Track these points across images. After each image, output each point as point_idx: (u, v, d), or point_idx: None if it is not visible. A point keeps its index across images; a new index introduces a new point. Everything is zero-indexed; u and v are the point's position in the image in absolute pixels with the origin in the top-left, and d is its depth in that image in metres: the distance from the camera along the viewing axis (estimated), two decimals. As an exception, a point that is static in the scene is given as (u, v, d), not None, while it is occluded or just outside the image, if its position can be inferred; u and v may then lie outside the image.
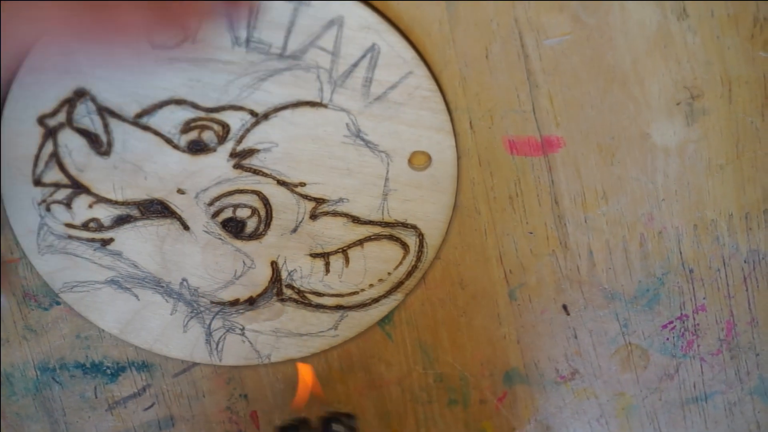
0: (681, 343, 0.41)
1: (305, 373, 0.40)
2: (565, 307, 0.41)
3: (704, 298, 0.41)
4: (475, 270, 0.40)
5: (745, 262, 0.40)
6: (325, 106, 0.37)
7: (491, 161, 0.38)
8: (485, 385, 0.42)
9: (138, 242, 0.38)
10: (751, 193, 0.39)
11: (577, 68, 0.36)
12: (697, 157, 0.38)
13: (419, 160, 0.38)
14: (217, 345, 0.40)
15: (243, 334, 0.40)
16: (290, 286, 0.39)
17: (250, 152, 0.37)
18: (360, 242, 0.39)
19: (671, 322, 0.41)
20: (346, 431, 0.38)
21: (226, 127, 0.37)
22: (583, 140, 0.37)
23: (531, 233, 0.39)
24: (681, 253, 0.40)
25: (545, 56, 0.36)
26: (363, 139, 0.37)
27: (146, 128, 0.36)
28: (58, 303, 0.40)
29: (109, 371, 0.42)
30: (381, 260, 0.39)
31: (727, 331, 0.41)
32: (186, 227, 0.38)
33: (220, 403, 0.42)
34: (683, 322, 0.41)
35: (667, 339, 0.41)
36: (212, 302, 0.39)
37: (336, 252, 0.39)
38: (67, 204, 0.37)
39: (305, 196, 0.38)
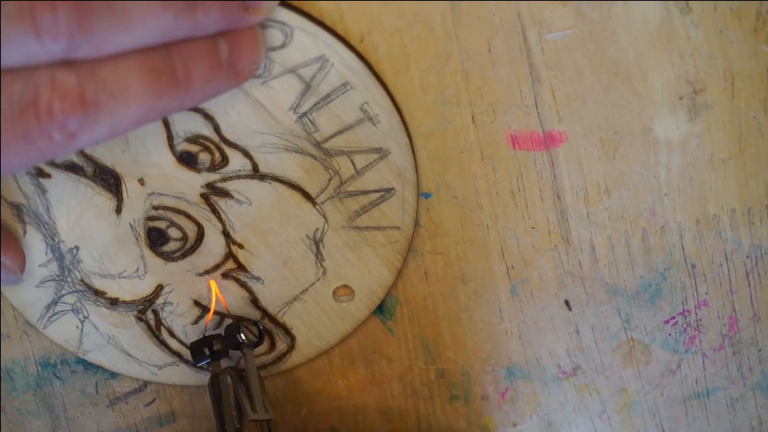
0: (683, 338, 0.41)
1: (216, 291, 0.40)
2: (567, 303, 0.41)
3: (706, 294, 0.41)
4: (476, 265, 0.40)
5: (747, 257, 0.40)
6: (314, 203, 0.38)
7: (493, 156, 0.38)
8: (487, 380, 0.42)
9: (67, 193, 0.37)
10: (754, 188, 0.39)
11: (579, 63, 0.36)
12: (700, 151, 0.38)
13: (345, 293, 0.39)
14: (53, 315, 0.40)
15: (82, 321, 0.40)
16: (155, 312, 0.40)
17: (225, 193, 0.38)
18: (240, 319, 0.40)
19: (673, 318, 0.41)
20: (252, 338, 0.38)
21: (225, 161, 0.37)
22: (586, 135, 0.37)
23: (533, 228, 0.39)
24: (683, 248, 0.40)
25: (548, 50, 0.36)
26: (317, 251, 0.38)
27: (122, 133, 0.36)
28: (58, 298, 0.40)
29: (110, 367, 0.42)
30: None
31: (730, 327, 0.41)
32: (118, 211, 0.38)
33: (221, 398, 0.42)
34: (685, 318, 0.41)
35: (669, 334, 0.41)
36: (82, 280, 0.39)
37: (216, 313, 0.40)
38: None
39: (234, 256, 0.39)
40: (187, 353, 0.40)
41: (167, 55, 0.30)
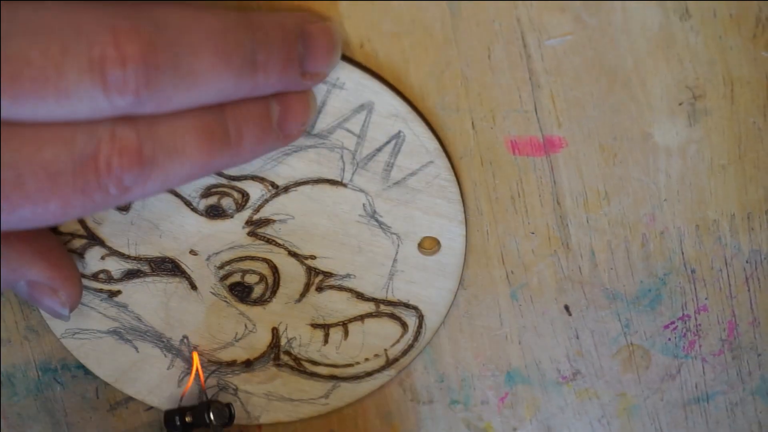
0: (683, 343, 0.41)
1: (196, 363, 0.40)
2: (566, 308, 0.41)
3: (706, 299, 0.41)
4: (476, 270, 0.40)
5: (747, 262, 0.40)
6: (344, 185, 0.37)
7: (493, 161, 0.38)
8: (486, 385, 0.42)
9: (145, 297, 0.39)
10: (753, 193, 0.39)
11: (579, 69, 0.36)
12: (699, 157, 0.38)
13: (429, 245, 0.39)
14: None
15: (235, 394, 0.41)
16: (288, 353, 0.40)
17: (266, 222, 0.38)
18: (361, 317, 0.40)
19: (673, 323, 0.41)
20: (221, 419, 0.38)
21: (245, 196, 0.37)
22: (585, 140, 0.37)
23: (533, 233, 0.39)
24: (683, 253, 0.40)
25: (547, 56, 0.36)
26: (377, 221, 0.38)
27: (168, 190, 0.37)
28: (59, 303, 0.40)
29: (110, 371, 0.42)
30: (379, 336, 0.40)
31: (729, 332, 0.41)
32: (194, 287, 0.39)
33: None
34: (685, 323, 0.41)
35: (669, 339, 0.41)
36: (209, 361, 0.40)
37: (336, 324, 0.40)
38: (80, 254, 0.38)
39: (314, 269, 0.39)
40: (340, 372, 0.41)
41: (221, 115, 0.31)
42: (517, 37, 0.35)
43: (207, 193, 0.37)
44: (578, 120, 0.37)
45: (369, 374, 0.41)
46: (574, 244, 0.39)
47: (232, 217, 0.38)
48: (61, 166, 0.27)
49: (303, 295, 0.39)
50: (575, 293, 0.40)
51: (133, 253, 0.38)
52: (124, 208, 0.37)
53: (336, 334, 0.40)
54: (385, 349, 0.40)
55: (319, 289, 0.39)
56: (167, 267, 0.38)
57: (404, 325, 0.40)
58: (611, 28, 0.35)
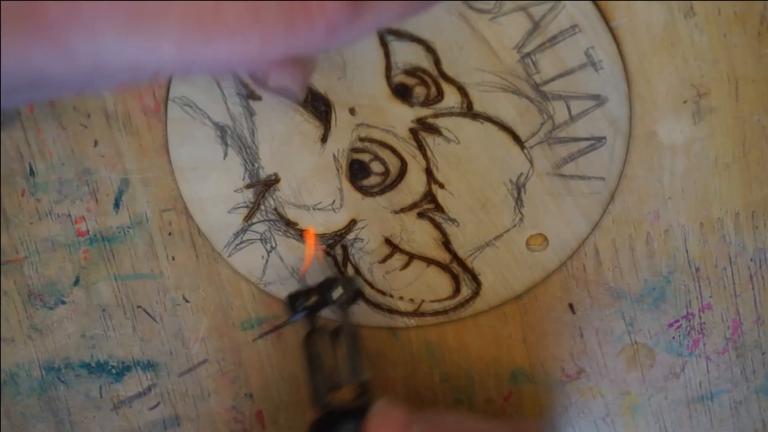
0: (687, 341, 0.41)
1: (310, 239, 0.39)
2: (571, 306, 0.41)
3: (710, 297, 0.41)
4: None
5: (751, 260, 0.40)
6: (522, 146, 0.37)
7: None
8: (491, 384, 0.42)
9: (275, 118, 0.37)
10: (758, 191, 0.39)
11: (583, 66, 0.36)
12: (704, 155, 0.38)
13: (537, 241, 0.39)
14: (240, 243, 0.39)
15: (269, 251, 0.39)
16: (344, 247, 0.39)
17: (434, 130, 0.37)
18: (431, 261, 0.39)
19: (677, 321, 0.41)
20: (346, 296, 0.36)
21: (439, 96, 0.36)
22: (590, 139, 0.37)
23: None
24: (687, 251, 0.40)
25: (552, 54, 0.36)
26: (518, 194, 0.38)
27: (383, 43, 0.36)
28: (63, 302, 0.40)
29: (114, 371, 0.42)
30: (429, 287, 0.40)
31: (733, 330, 0.41)
32: (324, 140, 0.37)
33: (225, 402, 0.42)
34: (689, 321, 0.41)
35: (673, 338, 0.41)
36: (276, 209, 0.39)
37: (406, 252, 0.39)
38: None
39: (433, 196, 0.38)
40: (369, 291, 0.39)
41: None
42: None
43: (412, 72, 0.36)
44: (583, 118, 0.37)
45: (391, 311, 0.40)
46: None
47: (411, 106, 0.37)
48: None
49: (404, 210, 0.38)
50: (580, 292, 0.40)
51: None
52: None
53: (398, 261, 0.39)
54: (423, 300, 0.40)
55: (421, 214, 0.38)
56: (319, 108, 0.37)
57: (457, 291, 0.39)
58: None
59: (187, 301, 0.41)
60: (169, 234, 0.40)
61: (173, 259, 0.40)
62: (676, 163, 0.38)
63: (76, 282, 0.40)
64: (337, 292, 0.36)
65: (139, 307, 0.41)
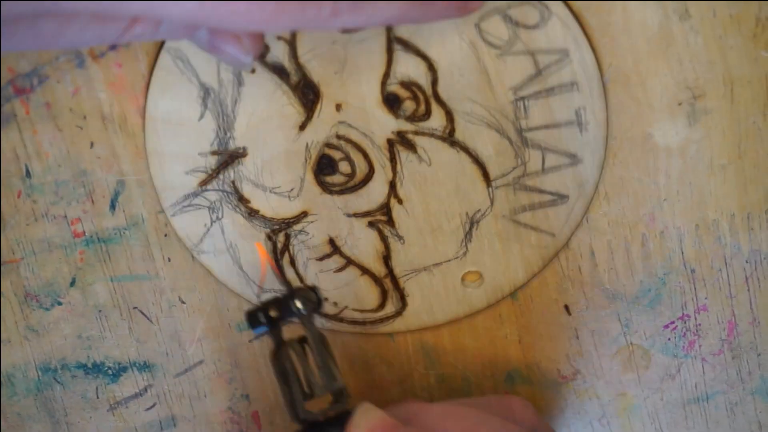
0: (682, 343, 0.41)
1: (262, 253, 0.39)
2: (566, 308, 0.41)
3: (706, 298, 0.41)
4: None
5: (746, 262, 0.40)
6: (488, 184, 0.38)
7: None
8: (487, 385, 0.42)
9: (262, 94, 0.37)
10: (753, 193, 0.39)
11: (579, 68, 0.36)
12: (699, 157, 0.38)
13: (473, 278, 0.39)
14: (188, 206, 0.39)
15: (212, 221, 0.39)
16: (287, 236, 0.39)
17: (409, 146, 0.37)
18: (365, 272, 0.39)
19: (673, 323, 0.41)
20: (307, 307, 0.35)
21: (427, 115, 0.37)
22: (585, 140, 0.37)
23: (533, 233, 0.39)
24: (683, 253, 0.40)
25: (547, 56, 0.36)
26: (469, 230, 0.38)
27: (389, 50, 0.36)
28: (59, 303, 0.40)
29: (110, 371, 0.42)
30: (356, 295, 0.40)
31: (729, 331, 0.41)
32: (302, 128, 0.38)
33: (221, 403, 0.42)
34: (685, 323, 0.41)
35: (669, 339, 0.41)
36: (233, 182, 0.39)
37: (344, 256, 0.39)
38: None
39: (386, 206, 0.38)
40: (297, 284, 0.40)
41: None
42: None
43: (407, 85, 0.36)
44: (578, 120, 0.37)
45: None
46: (573, 244, 0.39)
47: (396, 117, 0.37)
48: None
49: (357, 215, 0.39)
50: (575, 293, 0.40)
51: (301, 61, 0.37)
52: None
53: (335, 263, 0.39)
54: (346, 306, 0.40)
55: (371, 224, 0.39)
56: (308, 96, 0.37)
57: (381, 306, 0.40)
58: (611, 28, 0.35)
59: (183, 302, 0.41)
60: (165, 235, 0.40)
61: (169, 260, 0.40)
62: (672, 165, 0.38)
63: (73, 283, 0.40)
64: (298, 304, 0.35)
65: (135, 308, 0.41)
